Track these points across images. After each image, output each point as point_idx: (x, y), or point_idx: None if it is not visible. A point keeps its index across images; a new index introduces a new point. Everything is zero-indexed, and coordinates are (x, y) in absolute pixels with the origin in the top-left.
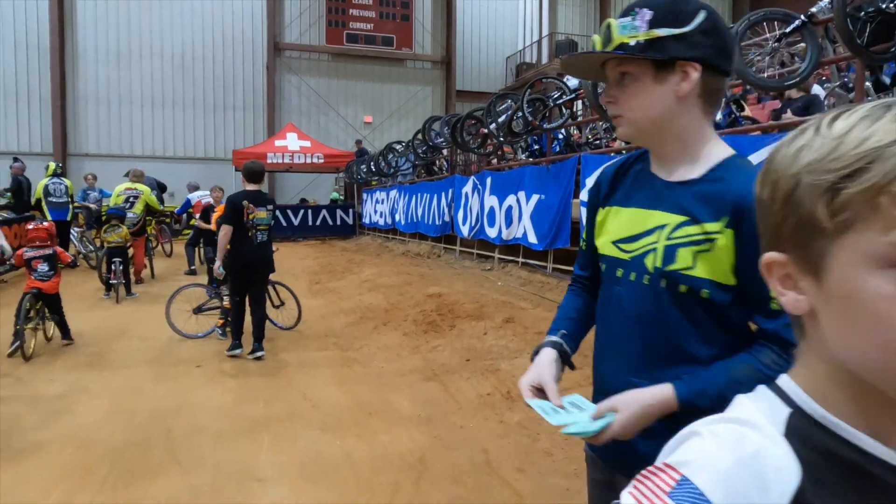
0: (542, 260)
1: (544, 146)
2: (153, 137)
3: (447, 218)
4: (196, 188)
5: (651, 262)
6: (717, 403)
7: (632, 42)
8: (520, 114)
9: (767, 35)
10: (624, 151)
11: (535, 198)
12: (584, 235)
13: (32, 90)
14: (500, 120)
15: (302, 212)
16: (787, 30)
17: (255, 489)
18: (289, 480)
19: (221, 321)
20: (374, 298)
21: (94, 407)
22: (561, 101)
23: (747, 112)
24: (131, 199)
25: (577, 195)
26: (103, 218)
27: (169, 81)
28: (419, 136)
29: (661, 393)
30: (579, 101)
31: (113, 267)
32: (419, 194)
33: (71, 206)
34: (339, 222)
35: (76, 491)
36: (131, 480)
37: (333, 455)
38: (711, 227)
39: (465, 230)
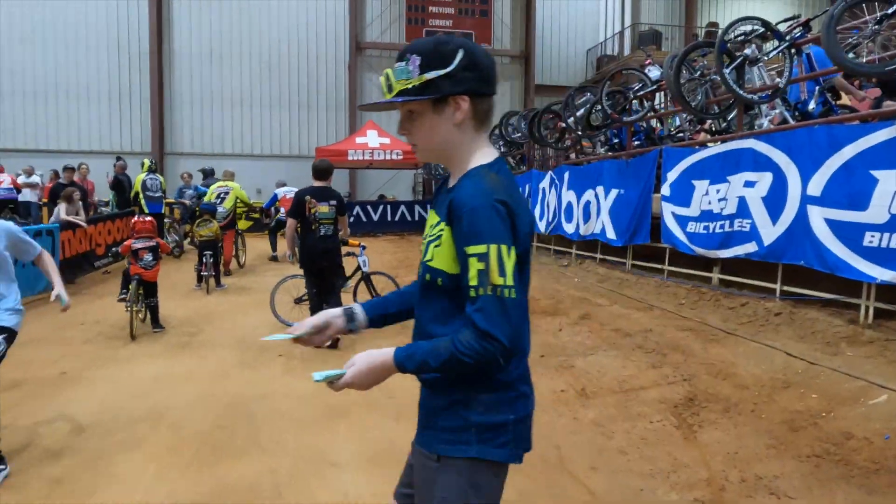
0: (621, 256)
1: (624, 139)
2: (242, 136)
3: None
4: (283, 184)
5: (422, 254)
6: (420, 366)
7: (409, 86)
8: (598, 107)
9: (867, 17)
10: (709, 144)
11: (613, 192)
12: None
13: (133, 92)
14: (579, 113)
15: (381, 207)
16: (890, 10)
17: (331, 474)
18: (363, 467)
19: None
20: None
21: (185, 390)
22: (641, 92)
23: (844, 100)
24: (222, 195)
25: (658, 189)
26: (197, 213)
27: (257, 82)
28: (496, 131)
29: (385, 353)
30: (661, 93)
31: (204, 259)
32: None
33: (164, 200)
34: (417, 217)
35: (167, 469)
36: (216, 461)
37: (406, 444)
38: (442, 225)
39: (542, 225)
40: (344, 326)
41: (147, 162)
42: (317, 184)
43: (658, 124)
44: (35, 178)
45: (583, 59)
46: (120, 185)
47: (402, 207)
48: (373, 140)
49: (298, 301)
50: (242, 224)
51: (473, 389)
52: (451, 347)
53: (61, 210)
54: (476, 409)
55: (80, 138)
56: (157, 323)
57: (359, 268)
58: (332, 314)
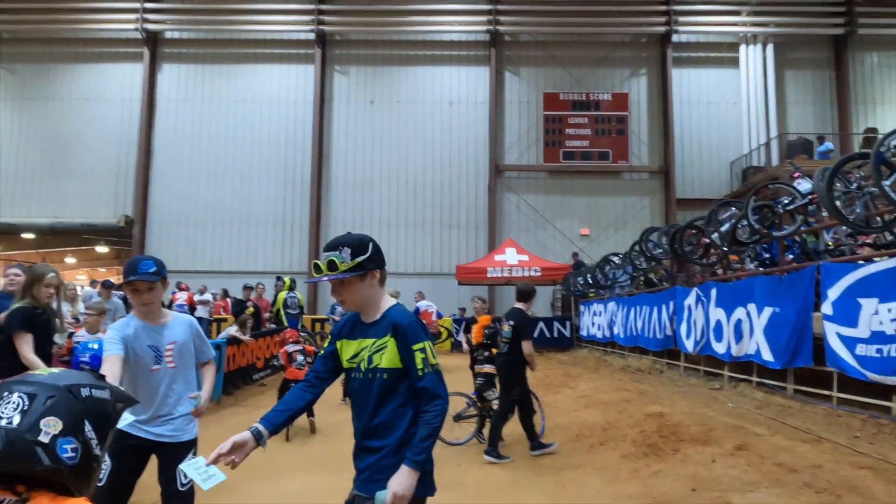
0: (781, 380)
1: (776, 254)
2: (387, 255)
3: (669, 331)
4: (422, 297)
5: (364, 364)
6: (425, 452)
7: (346, 267)
8: (745, 222)
9: None
10: (875, 259)
11: (767, 311)
12: (324, 351)
13: (295, 219)
14: (723, 229)
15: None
16: None
17: None
18: None
19: None
20: (591, 415)
21: None
22: (792, 206)
23: None
24: None
25: (818, 307)
26: None
27: (403, 205)
28: (637, 247)
29: (401, 470)
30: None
31: None
32: (638, 306)
33: (301, 316)
34: (556, 334)
35: None
36: None
37: None
38: (384, 339)
39: (688, 345)
40: (255, 444)
41: (288, 280)
42: (517, 305)
43: (815, 238)
44: (207, 296)
45: (726, 171)
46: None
47: (541, 324)
48: (511, 257)
49: (458, 419)
50: None
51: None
52: (428, 425)
53: (231, 329)
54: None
55: (248, 260)
56: (311, 412)
57: None
58: (244, 437)
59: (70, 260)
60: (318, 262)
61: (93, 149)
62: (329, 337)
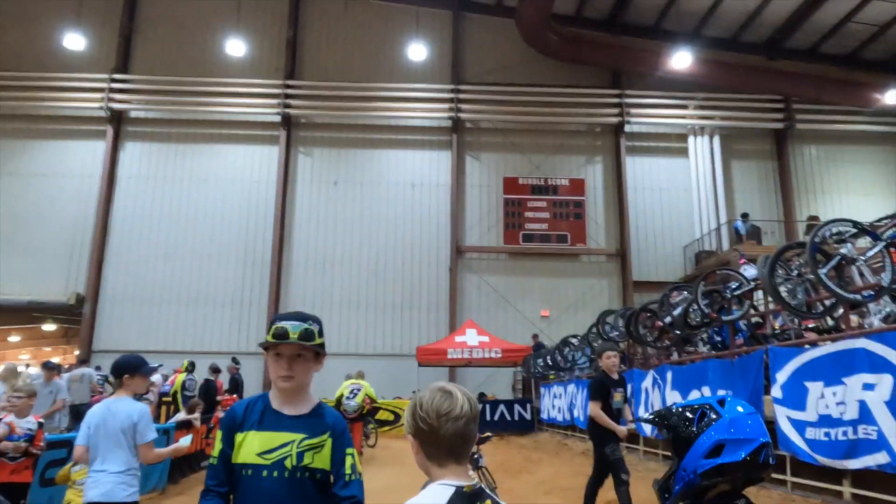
0: None
1: (726, 338)
2: (348, 336)
3: (628, 415)
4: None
5: (291, 462)
6: None
7: (319, 341)
8: (695, 306)
9: None
10: (819, 343)
11: (721, 394)
12: (217, 456)
13: (254, 298)
14: (676, 312)
15: (480, 406)
16: None
17: None
18: None
19: None
20: (551, 502)
21: None
22: (739, 291)
23: None
24: (354, 391)
25: (768, 391)
26: None
27: (364, 285)
28: (594, 329)
29: None
30: (759, 292)
31: None
32: None
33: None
34: (516, 417)
35: None
36: None
37: None
38: (322, 438)
39: (647, 428)
40: None
41: (186, 363)
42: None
43: (763, 321)
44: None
45: (680, 254)
46: (235, 384)
47: (502, 406)
48: (472, 339)
49: None
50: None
51: None
52: None
53: (181, 414)
54: None
55: (203, 340)
56: None
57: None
58: None
59: (14, 339)
60: (287, 327)
61: (47, 225)
62: (219, 434)
